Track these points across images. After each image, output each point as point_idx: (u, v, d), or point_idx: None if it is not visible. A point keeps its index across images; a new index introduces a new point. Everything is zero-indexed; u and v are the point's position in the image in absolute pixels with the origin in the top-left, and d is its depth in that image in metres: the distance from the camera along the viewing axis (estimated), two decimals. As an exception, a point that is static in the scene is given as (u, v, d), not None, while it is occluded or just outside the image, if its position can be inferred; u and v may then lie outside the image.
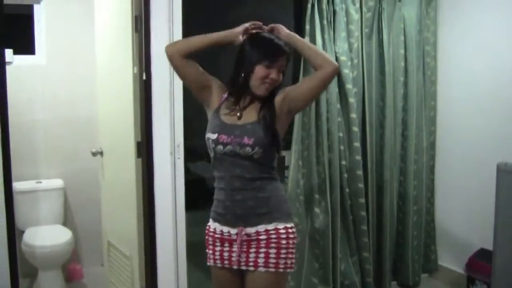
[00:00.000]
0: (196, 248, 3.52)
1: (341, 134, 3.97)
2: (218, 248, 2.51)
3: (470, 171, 4.26)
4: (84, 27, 4.63)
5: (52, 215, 4.60)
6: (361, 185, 4.05)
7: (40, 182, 4.60)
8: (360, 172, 4.04)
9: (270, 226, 2.40)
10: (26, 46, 4.62)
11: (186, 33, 3.53)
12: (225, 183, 2.44)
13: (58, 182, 4.66)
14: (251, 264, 2.41)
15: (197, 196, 4.48)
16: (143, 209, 3.64)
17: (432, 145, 4.51)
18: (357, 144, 4.01)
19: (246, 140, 2.36)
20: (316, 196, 3.95)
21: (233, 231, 2.44)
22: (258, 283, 2.41)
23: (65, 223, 4.69)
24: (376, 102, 4.17)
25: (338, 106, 3.95)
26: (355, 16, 3.97)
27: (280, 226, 2.40)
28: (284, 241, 2.39)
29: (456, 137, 4.38)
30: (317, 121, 3.92)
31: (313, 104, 3.88)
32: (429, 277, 4.64)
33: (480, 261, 3.93)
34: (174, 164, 3.62)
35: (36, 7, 4.58)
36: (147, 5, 3.45)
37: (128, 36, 3.52)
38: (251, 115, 2.43)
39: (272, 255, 2.38)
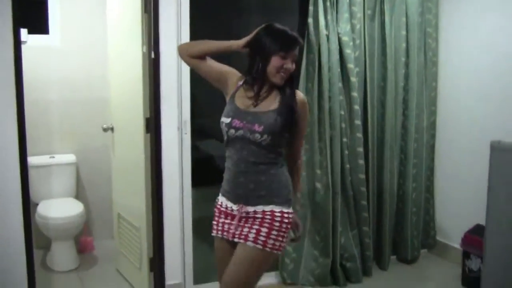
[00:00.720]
0: (202, 223, 3.67)
1: (342, 112, 4.10)
2: (221, 220, 2.67)
3: (468, 150, 4.38)
4: (97, 9, 4.83)
5: (64, 188, 4.79)
6: (361, 162, 4.19)
7: (54, 157, 4.79)
8: (360, 149, 4.18)
9: (267, 208, 2.53)
10: (40, 27, 4.75)
11: (193, 14, 3.71)
12: (232, 163, 2.59)
13: (70, 157, 4.85)
14: (242, 237, 2.56)
15: (205, 173, 4.62)
16: (151, 182, 3.81)
17: (432, 125, 4.63)
18: (358, 122, 4.14)
19: (256, 127, 2.49)
20: (318, 171, 4.10)
21: (235, 207, 2.60)
22: (243, 254, 2.55)
23: (77, 197, 4.87)
24: (377, 82, 4.29)
25: (340, 85, 4.08)
26: (358, -3, 4.09)
27: (277, 209, 2.53)
28: (277, 224, 2.52)
29: (456, 117, 4.50)
30: (320, 100, 4.05)
31: (316, 83, 4.02)
32: (427, 252, 4.79)
33: (475, 236, 4.05)
34: (181, 139, 3.81)
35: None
36: (156, -14, 3.60)
37: (138, 17, 3.68)
38: (269, 103, 2.55)
39: (262, 233, 2.51)
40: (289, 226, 2.57)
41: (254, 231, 2.53)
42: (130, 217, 4.13)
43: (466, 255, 4.17)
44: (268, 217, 2.52)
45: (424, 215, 4.68)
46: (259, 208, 2.54)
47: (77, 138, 4.96)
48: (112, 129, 4.32)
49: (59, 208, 4.50)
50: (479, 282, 3.56)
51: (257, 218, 2.54)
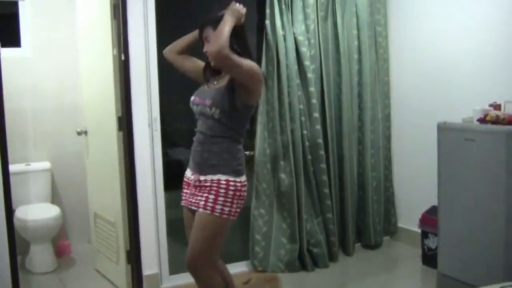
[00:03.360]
0: (176, 224, 3.86)
1: (301, 106, 4.40)
2: (185, 190, 3.03)
3: (420, 138, 4.69)
4: (67, 20, 5.06)
5: (41, 194, 4.96)
6: (322, 152, 4.48)
7: (29, 165, 4.97)
8: (320, 140, 4.47)
9: (215, 177, 2.84)
10: (13, 41, 5.00)
11: (159, 19, 3.99)
12: (196, 135, 2.95)
13: (45, 164, 5.04)
14: (196, 205, 2.88)
15: (175, 177, 4.84)
16: (126, 177, 4.03)
17: (387, 117, 4.96)
18: (316, 115, 4.44)
19: (207, 101, 2.85)
20: (281, 162, 4.37)
21: (192, 176, 2.94)
22: (197, 220, 2.87)
23: (53, 202, 5.04)
24: (333, 77, 4.61)
25: (298, 81, 4.39)
26: (311, 0, 4.42)
27: (223, 178, 2.83)
28: (222, 191, 2.82)
29: (408, 108, 4.85)
30: (280, 95, 4.34)
31: (275, 80, 4.32)
32: (390, 239, 5.08)
33: (430, 216, 4.35)
34: (152, 135, 4.06)
35: (21, 3, 4.97)
36: (123, -6, 3.88)
37: (108, 23, 3.95)
38: (223, 81, 2.90)
39: (210, 200, 2.82)
40: (238, 194, 2.85)
41: (203, 198, 2.84)
42: (106, 214, 4.33)
43: (424, 235, 4.46)
44: (214, 185, 2.83)
45: (384, 203, 4.97)
46: (209, 177, 2.85)
47: (51, 145, 5.15)
48: (85, 132, 4.54)
49: (36, 211, 4.67)
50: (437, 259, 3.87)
51: (207, 186, 2.85)
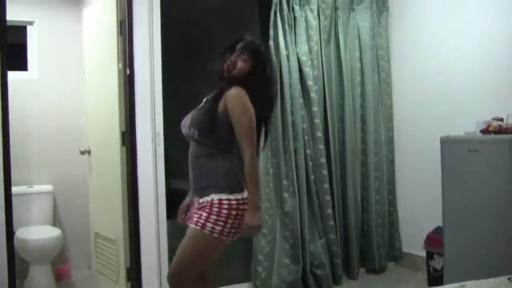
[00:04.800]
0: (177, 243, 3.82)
1: (304, 126, 4.42)
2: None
3: (425, 161, 4.68)
4: (74, 43, 5.12)
5: (42, 217, 4.93)
6: (325, 172, 4.47)
7: (32, 187, 4.96)
8: (323, 160, 4.47)
9: (209, 198, 2.77)
10: (20, 65, 5.07)
11: (164, 36, 4.05)
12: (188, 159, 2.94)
13: (48, 187, 5.02)
14: (188, 221, 2.86)
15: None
16: (127, 192, 4.00)
17: (390, 140, 4.97)
18: (319, 134, 4.45)
19: (187, 122, 2.87)
20: (284, 182, 4.35)
21: (194, 199, 2.91)
22: (187, 235, 2.83)
23: (54, 225, 5.01)
24: (336, 98, 4.65)
25: (301, 100, 4.42)
26: (314, 22, 4.50)
27: (215, 197, 2.76)
28: (215, 209, 2.74)
29: (411, 131, 4.87)
30: (283, 114, 4.37)
31: (279, 99, 4.34)
32: (395, 265, 5.00)
33: (435, 236, 4.30)
34: (155, 151, 4.05)
35: (29, 28, 5.07)
36: (130, 11, 3.96)
37: (114, 39, 4.01)
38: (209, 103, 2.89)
39: (202, 217, 2.75)
40: (233, 212, 2.74)
41: (197, 215, 2.78)
42: (107, 232, 4.28)
43: (429, 256, 4.39)
44: (208, 204, 2.76)
45: (388, 227, 4.92)
46: (205, 199, 2.78)
47: (54, 167, 5.14)
48: (89, 152, 4.54)
49: (37, 232, 4.64)
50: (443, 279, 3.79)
51: (204, 206, 2.78)
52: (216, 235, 2.73)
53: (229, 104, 2.76)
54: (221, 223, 2.73)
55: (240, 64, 2.83)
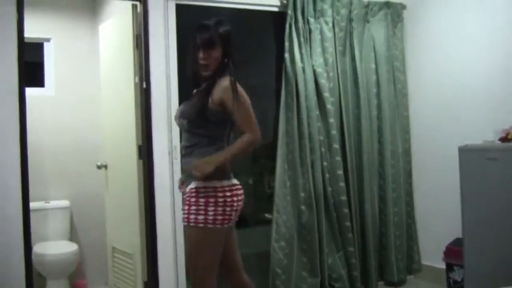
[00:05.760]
0: None
1: (321, 138, 4.40)
2: None
3: (442, 171, 4.64)
4: (89, 60, 5.17)
5: (59, 232, 4.93)
6: (342, 184, 4.44)
7: (48, 203, 4.97)
8: (340, 172, 4.44)
9: (188, 188, 2.81)
10: (37, 82, 5.11)
11: (180, 48, 4.07)
12: None
13: (65, 203, 5.03)
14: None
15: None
16: (145, 206, 4.01)
17: (407, 151, 4.92)
18: (336, 146, 4.43)
19: (178, 113, 2.94)
20: (302, 194, 4.33)
21: None
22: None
23: (71, 240, 5.00)
24: (352, 110, 4.62)
25: (317, 112, 4.41)
26: (329, 34, 4.49)
27: (192, 186, 2.78)
28: (193, 199, 2.76)
29: (427, 142, 4.82)
30: (299, 127, 4.35)
31: (295, 112, 4.34)
32: (414, 277, 4.93)
33: (455, 247, 4.24)
34: (172, 164, 4.04)
35: (45, 45, 5.11)
36: (146, 25, 4.00)
37: (130, 53, 4.05)
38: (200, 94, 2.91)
39: (185, 211, 2.79)
40: (212, 200, 2.73)
41: (183, 212, 2.83)
42: (124, 246, 4.28)
43: (449, 268, 4.34)
44: (187, 195, 2.79)
45: (407, 239, 4.86)
46: (188, 189, 2.82)
47: (71, 183, 5.14)
48: (105, 166, 4.55)
49: (54, 247, 4.64)
50: (464, 291, 3.74)
51: (185, 200, 2.83)
52: (201, 225, 2.73)
53: (224, 96, 2.77)
54: (202, 212, 2.74)
55: (213, 55, 2.82)
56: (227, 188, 2.79)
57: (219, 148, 2.83)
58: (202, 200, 2.74)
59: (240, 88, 2.81)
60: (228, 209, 2.77)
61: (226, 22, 2.89)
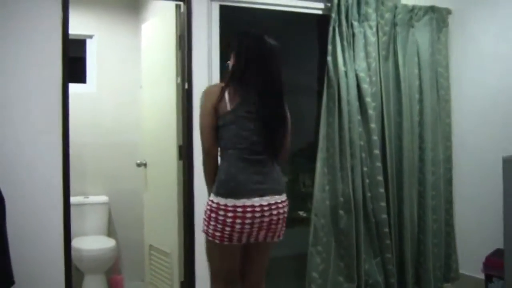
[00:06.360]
0: None
1: (362, 143, 4.35)
2: None
3: (484, 180, 4.56)
4: (131, 58, 5.22)
5: (97, 227, 5.01)
6: (381, 190, 4.39)
7: (88, 198, 5.03)
8: (380, 178, 4.39)
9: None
10: (79, 78, 5.17)
11: (223, 48, 4.06)
12: None
13: (103, 198, 5.09)
14: None
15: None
16: (184, 207, 4.02)
17: (448, 159, 4.84)
18: (377, 151, 4.38)
19: None
20: (341, 199, 4.29)
21: None
22: None
23: (108, 236, 5.06)
24: (394, 116, 4.56)
25: (359, 117, 4.36)
26: (372, 38, 4.44)
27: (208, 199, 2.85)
28: (206, 209, 2.83)
29: (470, 149, 4.74)
30: (340, 131, 4.31)
31: (336, 116, 4.30)
32: (451, 286, 4.86)
33: (495, 259, 4.17)
34: (212, 165, 4.03)
35: (88, 41, 5.16)
36: (189, 26, 4.00)
37: (173, 53, 4.06)
38: None
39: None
40: (213, 215, 2.75)
41: None
42: (162, 245, 4.31)
43: (488, 279, 4.26)
44: None
45: (445, 248, 4.79)
46: None
47: (110, 179, 5.22)
48: (145, 165, 4.58)
49: (92, 242, 4.71)
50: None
51: None
52: (205, 234, 2.84)
53: None
54: (206, 223, 2.83)
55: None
56: (230, 208, 2.72)
57: (224, 163, 2.87)
58: (207, 213, 2.81)
59: (203, 98, 2.90)
60: (228, 229, 2.73)
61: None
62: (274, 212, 2.81)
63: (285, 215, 2.90)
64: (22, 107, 3.54)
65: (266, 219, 2.79)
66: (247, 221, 2.74)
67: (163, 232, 4.27)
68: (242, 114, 2.79)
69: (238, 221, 2.72)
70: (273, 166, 2.88)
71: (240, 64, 2.85)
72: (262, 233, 2.82)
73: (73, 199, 4.70)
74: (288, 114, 2.96)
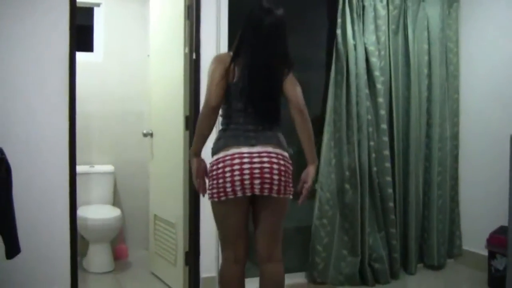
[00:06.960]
0: None
1: (369, 117, 4.33)
2: None
3: (490, 157, 4.56)
4: (138, 27, 5.20)
5: (103, 196, 5.02)
6: (388, 165, 4.39)
7: (93, 167, 5.04)
8: (387, 152, 4.38)
9: None
10: (86, 46, 5.14)
11: (231, 20, 4.02)
12: None
13: (109, 167, 5.10)
14: None
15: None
16: (189, 177, 4.01)
17: (455, 135, 4.83)
18: (384, 126, 4.36)
19: None
20: (346, 173, 4.29)
21: None
22: None
23: (114, 205, 5.08)
24: (402, 91, 4.54)
25: (367, 91, 4.34)
26: (382, 12, 4.39)
27: None
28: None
29: (478, 127, 4.72)
30: (348, 105, 4.29)
31: (344, 90, 4.27)
32: (454, 262, 4.89)
33: (499, 236, 4.18)
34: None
35: (96, 9, 5.12)
36: (198, -4, 3.95)
37: (181, 23, 4.02)
38: None
39: None
40: (210, 174, 2.82)
41: None
42: (167, 215, 4.32)
43: (491, 255, 4.27)
44: None
45: (450, 224, 4.80)
46: None
47: (116, 149, 5.22)
48: (151, 134, 4.58)
49: (97, 211, 4.72)
50: (505, 280, 3.67)
51: None
52: (210, 199, 2.87)
53: None
54: (208, 187, 2.87)
55: None
56: (221, 159, 2.76)
57: (224, 126, 2.95)
58: (209, 173, 2.86)
59: (212, 63, 2.91)
60: (221, 181, 2.74)
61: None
62: (265, 159, 2.74)
63: (283, 168, 2.79)
64: (29, 74, 3.52)
65: (257, 166, 2.72)
66: (236, 167, 2.71)
67: (168, 202, 4.28)
68: (240, 86, 2.81)
69: (228, 169, 2.72)
70: (271, 131, 2.86)
71: (241, 37, 2.86)
72: (257, 183, 2.72)
73: (79, 168, 4.71)
74: (291, 81, 2.86)
